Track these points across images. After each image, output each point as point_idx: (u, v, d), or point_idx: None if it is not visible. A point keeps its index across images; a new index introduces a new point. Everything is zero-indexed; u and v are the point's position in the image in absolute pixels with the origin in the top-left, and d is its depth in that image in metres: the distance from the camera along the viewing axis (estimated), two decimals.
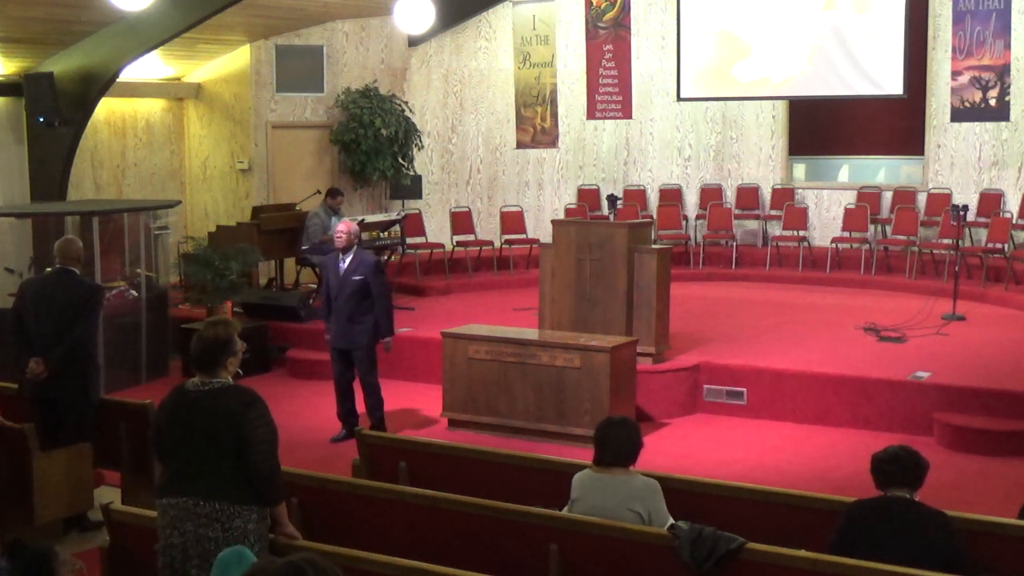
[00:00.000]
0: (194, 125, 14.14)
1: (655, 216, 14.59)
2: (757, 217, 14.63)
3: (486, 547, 4.88)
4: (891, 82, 13.30)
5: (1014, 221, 12.94)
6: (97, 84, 11.51)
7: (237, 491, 4.33)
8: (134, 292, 10.50)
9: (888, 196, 14.05)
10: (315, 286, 12.56)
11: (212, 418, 4.35)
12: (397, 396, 9.43)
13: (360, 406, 8.55)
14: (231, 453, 4.32)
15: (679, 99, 14.64)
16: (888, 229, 13.69)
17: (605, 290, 9.27)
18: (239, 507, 4.32)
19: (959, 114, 13.19)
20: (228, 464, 4.33)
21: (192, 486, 4.33)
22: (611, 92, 14.66)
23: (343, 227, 8.50)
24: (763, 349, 9.79)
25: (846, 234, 13.74)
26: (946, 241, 12.52)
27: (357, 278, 8.31)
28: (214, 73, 13.90)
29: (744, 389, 9.12)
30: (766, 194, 14.71)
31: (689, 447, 8.31)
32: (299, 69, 13.80)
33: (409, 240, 13.19)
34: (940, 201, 13.47)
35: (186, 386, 4.47)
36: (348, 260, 8.37)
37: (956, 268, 11.48)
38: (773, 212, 14.52)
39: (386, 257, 12.89)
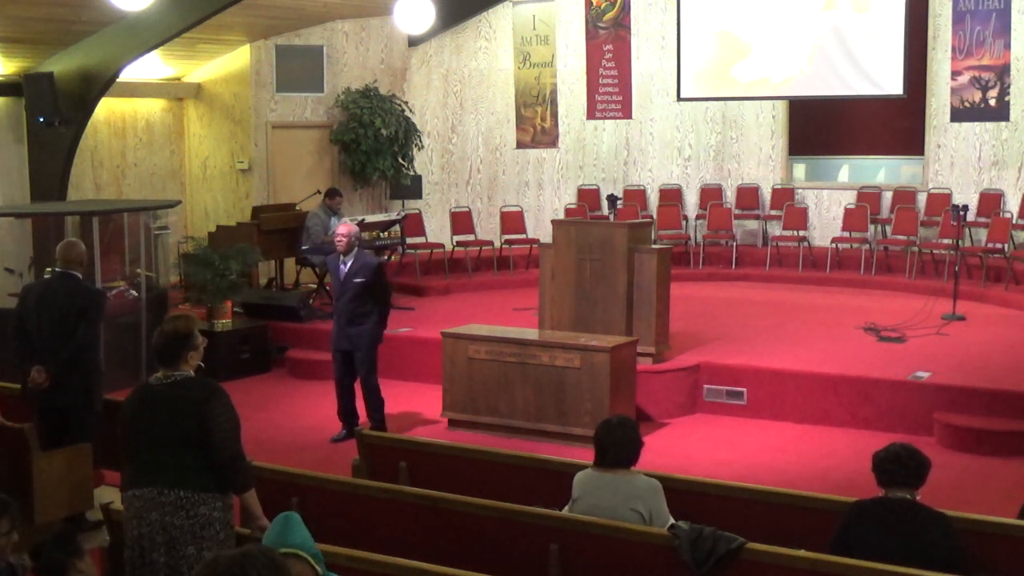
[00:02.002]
0: (194, 125, 14.14)
1: (655, 216, 14.58)
2: (757, 217, 14.63)
3: (486, 547, 4.88)
4: (891, 82, 13.31)
5: (1014, 221, 12.94)
6: (97, 84, 11.51)
7: (201, 479, 4.40)
8: (134, 292, 10.50)
9: (888, 196, 14.05)
10: (315, 286, 12.57)
11: (174, 409, 4.44)
12: (397, 396, 9.43)
13: (361, 407, 8.55)
14: (194, 442, 4.40)
15: (679, 99, 14.64)
16: (888, 229, 13.69)
17: (605, 290, 9.26)
18: (203, 494, 4.40)
19: (959, 114, 13.19)
20: (191, 453, 4.41)
21: (157, 476, 4.41)
22: (611, 92, 14.67)
23: (343, 230, 8.49)
24: (763, 349, 9.79)
25: (846, 234, 13.74)
26: (946, 241, 12.52)
27: (359, 280, 8.32)
28: (214, 73, 13.90)
29: (744, 389, 9.11)
30: (766, 194, 14.71)
31: (689, 447, 8.31)
32: (299, 69, 13.80)
33: (409, 240, 13.19)
34: (940, 201, 13.47)
35: (150, 381, 4.59)
36: (349, 263, 8.38)
37: (956, 268, 11.47)
38: (773, 212, 14.52)
39: (386, 257, 12.90)
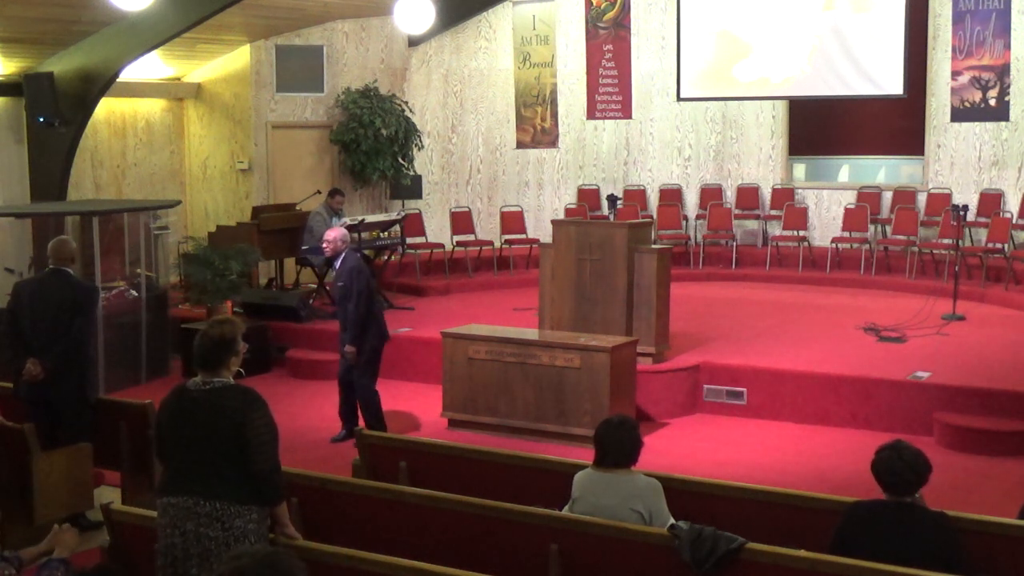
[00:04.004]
0: (194, 125, 14.14)
1: (655, 216, 14.59)
2: (757, 217, 14.62)
3: (486, 547, 4.88)
4: (891, 82, 13.31)
5: (1014, 221, 12.94)
6: (97, 84, 11.51)
7: (237, 490, 4.32)
8: (134, 292, 10.50)
9: (888, 196, 14.05)
10: (315, 286, 12.56)
11: (213, 417, 4.34)
12: (397, 396, 9.44)
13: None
14: (232, 452, 4.32)
15: (679, 99, 14.64)
16: (888, 229, 13.69)
17: (605, 290, 9.26)
18: (239, 507, 4.32)
19: (959, 114, 13.19)
20: (229, 463, 4.32)
21: (193, 485, 4.32)
22: (611, 92, 14.67)
23: (330, 235, 8.43)
24: (763, 349, 9.79)
25: (846, 234, 13.75)
26: (946, 241, 12.52)
27: (340, 284, 8.28)
28: (214, 73, 13.90)
29: (744, 389, 9.11)
30: (766, 194, 14.71)
31: (689, 447, 8.31)
32: (299, 69, 13.80)
33: (409, 240, 13.19)
34: (940, 201, 13.47)
35: (187, 385, 4.46)
36: (337, 267, 8.37)
37: (956, 268, 11.47)
38: (773, 212, 14.52)
39: (386, 257, 12.90)
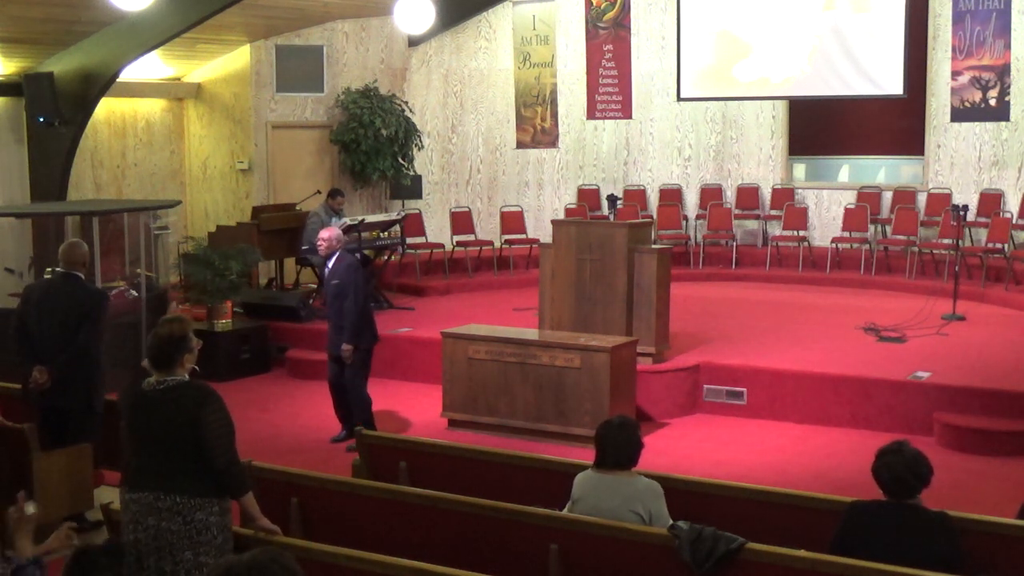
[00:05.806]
0: (194, 125, 14.14)
1: (655, 216, 14.59)
2: (757, 217, 14.62)
3: (486, 547, 4.88)
4: (891, 82, 13.31)
5: (1014, 221, 12.94)
6: (97, 84, 11.51)
7: (197, 484, 4.39)
8: (134, 292, 10.50)
9: (888, 196, 14.05)
10: (315, 286, 12.56)
11: (169, 415, 4.42)
12: (397, 396, 9.44)
13: None
14: (189, 448, 4.39)
15: (679, 99, 14.64)
16: (888, 229, 13.69)
17: (605, 290, 9.26)
18: (200, 500, 4.38)
19: (959, 114, 13.19)
20: (187, 459, 4.39)
21: (153, 481, 4.40)
22: (611, 92, 14.67)
23: (325, 234, 8.42)
24: (763, 349, 9.79)
25: (846, 234, 13.75)
26: (946, 241, 12.52)
27: (335, 282, 8.24)
28: (214, 73, 13.90)
29: (744, 389, 9.11)
30: (766, 194, 14.71)
31: (689, 447, 8.31)
32: (299, 69, 13.80)
33: (409, 240, 13.19)
34: (940, 201, 13.47)
35: (142, 385, 4.53)
36: (330, 265, 8.36)
37: (956, 268, 11.47)
38: (773, 212, 14.52)
39: (386, 257, 12.90)
